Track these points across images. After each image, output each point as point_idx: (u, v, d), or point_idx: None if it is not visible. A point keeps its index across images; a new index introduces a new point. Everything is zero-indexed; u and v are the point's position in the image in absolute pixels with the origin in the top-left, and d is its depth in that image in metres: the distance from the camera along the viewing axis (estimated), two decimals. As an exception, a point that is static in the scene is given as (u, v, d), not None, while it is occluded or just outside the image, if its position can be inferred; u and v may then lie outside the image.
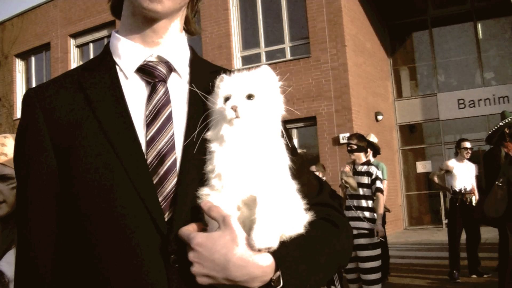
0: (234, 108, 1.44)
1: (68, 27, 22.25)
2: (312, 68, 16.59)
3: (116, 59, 1.67)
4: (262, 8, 18.01)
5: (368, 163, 9.39)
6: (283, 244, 1.40)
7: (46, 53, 23.62)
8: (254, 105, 1.47)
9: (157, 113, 1.57)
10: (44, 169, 1.55)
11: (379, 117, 18.82)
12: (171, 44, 1.70)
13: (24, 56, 24.88)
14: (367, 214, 9.09)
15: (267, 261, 1.37)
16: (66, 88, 1.63)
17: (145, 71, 1.63)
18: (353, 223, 9.07)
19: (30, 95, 1.64)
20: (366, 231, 9.06)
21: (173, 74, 1.68)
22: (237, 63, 18.00)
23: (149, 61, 1.65)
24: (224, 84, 1.53)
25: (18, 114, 23.13)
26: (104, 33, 21.58)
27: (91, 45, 22.33)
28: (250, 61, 17.85)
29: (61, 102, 1.59)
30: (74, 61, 22.33)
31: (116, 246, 1.47)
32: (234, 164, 1.44)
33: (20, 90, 24.21)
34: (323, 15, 16.56)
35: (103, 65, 1.67)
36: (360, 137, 9.69)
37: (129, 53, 1.66)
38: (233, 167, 1.43)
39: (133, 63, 1.64)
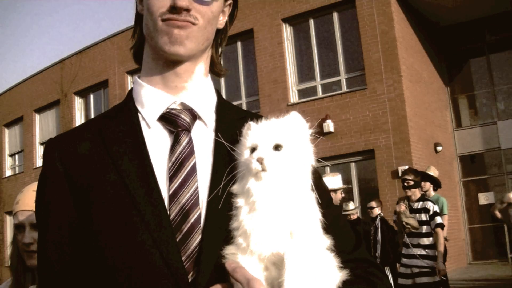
0: (260, 160, 1.36)
1: (125, 64, 22.61)
2: (368, 100, 16.43)
3: (139, 107, 1.62)
4: (316, 40, 18.01)
5: (423, 198, 9.22)
6: None
7: (104, 90, 24.07)
8: (282, 157, 1.39)
9: (180, 165, 1.50)
10: (63, 221, 1.50)
11: (439, 148, 18.47)
12: (196, 89, 1.63)
13: (83, 93, 25.38)
14: (429, 251, 8.89)
15: None
16: (87, 137, 1.58)
17: (168, 119, 1.57)
18: (414, 261, 8.87)
19: (51, 145, 1.59)
20: (428, 269, 8.85)
21: (197, 122, 1.61)
22: (293, 96, 17.96)
23: (172, 109, 1.59)
24: (251, 133, 1.45)
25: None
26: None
27: (147, 81, 22.59)
28: (306, 94, 17.85)
29: (81, 153, 1.54)
30: (132, 98, 22.59)
31: None
32: (260, 221, 1.35)
33: (79, 128, 24.65)
34: (377, 45, 16.44)
35: (125, 113, 1.62)
36: (416, 172, 9.52)
37: (151, 100, 1.61)
38: (260, 225, 1.35)
39: (156, 111, 1.59)
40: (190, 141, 1.54)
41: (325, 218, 1.41)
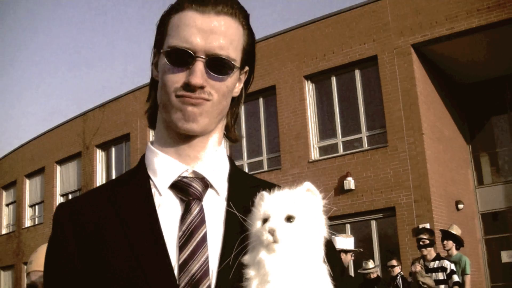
0: (272, 232, 1.35)
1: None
2: (389, 157, 16.43)
3: (150, 174, 1.61)
4: (338, 97, 18.15)
5: (439, 257, 9.18)
6: None
7: (126, 143, 24.24)
8: (294, 228, 1.37)
9: (190, 234, 1.48)
10: (70, 286, 1.48)
11: (460, 206, 18.32)
12: (208, 158, 1.62)
13: (105, 146, 25.59)
14: None
15: None
16: (98, 203, 1.57)
17: (180, 188, 1.56)
18: None
19: (61, 210, 1.59)
20: None
21: (209, 190, 1.59)
22: (314, 153, 18.03)
23: (184, 177, 1.57)
24: (263, 204, 1.44)
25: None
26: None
27: (169, 136, 22.70)
28: (327, 151, 17.90)
29: (91, 218, 1.53)
30: (153, 152, 22.71)
31: None
32: None
33: (100, 180, 24.81)
34: (399, 103, 16.52)
35: (137, 180, 1.61)
36: (431, 232, 9.50)
37: (163, 168, 1.59)
38: None
39: (167, 179, 1.57)
40: (201, 210, 1.53)
41: None
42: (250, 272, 1.37)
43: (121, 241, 1.47)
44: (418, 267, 9.17)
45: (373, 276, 11.53)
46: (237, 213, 1.48)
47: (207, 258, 1.46)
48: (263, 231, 1.37)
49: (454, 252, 10.49)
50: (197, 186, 1.56)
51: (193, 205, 1.53)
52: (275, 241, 1.34)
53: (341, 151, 17.61)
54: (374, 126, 17.26)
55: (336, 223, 15.99)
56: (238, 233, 1.46)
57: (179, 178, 1.57)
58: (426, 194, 15.85)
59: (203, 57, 1.52)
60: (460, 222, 16.13)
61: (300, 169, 17.66)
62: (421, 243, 9.19)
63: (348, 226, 16.80)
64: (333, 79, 18.28)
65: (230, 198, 1.58)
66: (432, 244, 9.21)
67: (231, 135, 1.75)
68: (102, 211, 1.54)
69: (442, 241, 10.65)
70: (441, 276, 8.95)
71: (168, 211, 1.53)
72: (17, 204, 31.39)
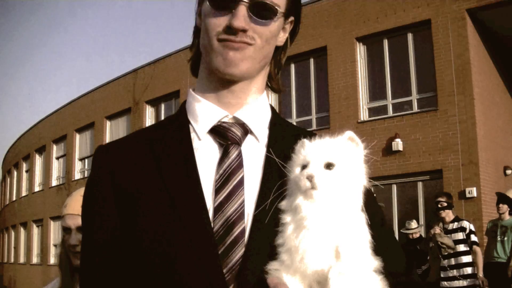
0: (310, 178, 1.34)
1: (197, 75, 22.93)
2: (439, 121, 16.36)
3: (191, 119, 1.62)
4: (389, 60, 18.05)
5: (458, 219, 9.26)
6: None
7: (175, 100, 24.36)
8: (333, 176, 1.36)
9: (227, 177, 1.49)
10: (107, 226, 1.51)
11: (508, 172, 18.23)
12: (249, 105, 1.62)
13: (155, 103, 25.83)
14: (469, 270, 8.94)
15: None
16: (137, 146, 1.59)
17: (219, 132, 1.56)
18: (455, 283, 8.91)
19: (100, 151, 1.62)
20: None
21: (249, 136, 1.59)
22: (363, 114, 18.07)
23: (224, 122, 1.58)
24: (303, 151, 1.43)
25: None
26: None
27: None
28: (376, 113, 17.91)
29: (129, 161, 1.55)
30: (203, 108, 22.85)
31: None
32: (307, 238, 1.32)
33: (150, 135, 25.00)
34: (451, 67, 16.35)
35: (176, 124, 1.62)
36: (449, 195, 9.57)
37: (203, 113, 1.60)
38: (306, 242, 1.32)
39: (207, 124, 1.58)
40: (239, 155, 1.53)
41: (375, 240, 1.38)
42: (287, 218, 1.38)
43: (157, 183, 1.48)
44: (437, 229, 9.28)
45: (416, 236, 11.65)
46: (276, 159, 1.48)
47: (243, 201, 1.47)
48: (301, 177, 1.36)
49: (507, 216, 10.50)
50: (236, 131, 1.56)
51: (232, 149, 1.53)
52: (313, 188, 1.34)
53: (390, 113, 17.55)
54: (425, 90, 17.13)
55: (382, 183, 16.11)
56: (276, 179, 1.47)
57: (219, 123, 1.58)
58: (474, 158, 15.80)
59: (246, 1, 1.50)
60: (508, 188, 16.09)
61: (349, 129, 17.37)
62: (439, 205, 9.30)
63: (394, 187, 16.89)
64: (385, 42, 18.13)
65: (270, 144, 1.58)
66: (450, 206, 9.30)
67: (273, 85, 1.74)
68: (140, 154, 1.55)
69: (497, 204, 10.72)
70: (460, 236, 9.06)
71: (206, 155, 1.54)
72: (67, 157, 32.08)
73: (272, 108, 1.72)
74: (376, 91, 18.17)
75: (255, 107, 1.63)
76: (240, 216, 1.45)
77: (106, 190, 1.53)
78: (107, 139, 28.25)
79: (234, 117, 1.59)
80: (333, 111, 18.46)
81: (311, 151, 1.40)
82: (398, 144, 16.49)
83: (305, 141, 1.46)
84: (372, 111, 18.15)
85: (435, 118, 16.47)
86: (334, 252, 1.31)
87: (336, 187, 1.35)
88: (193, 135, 1.59)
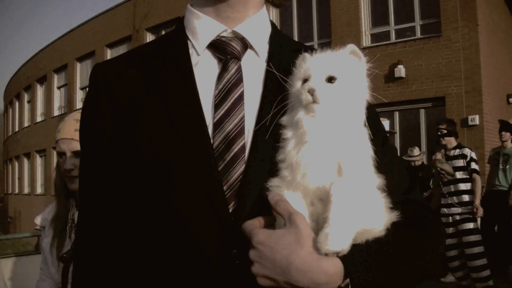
0: (311, 92, 1.30)
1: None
2: (442, 47, 16.11)
3: (189, 34, 1.56)
4: (393, -15, 17.69)
5: (460, 146, 9.18)
6: (356, 247, 1.25)
7: (176, 27, 24.03)
8: (335, 89, 1.31)
9: (227, 93, 1.45)
10: (104, 146, 1.47)
11: (511, 100, 18.11)
12: (249, 19, 1.55)
13: (155, 30, 25.52)
14: (466, 197, 8.91)
15: (334, 267, 1.21)
16: (135, 63, 1.54)
17: (218, 47, 1.52)
18: (453, 210, 8.89)
19: (97, 70, 1.58)
20: (469, 216, 8.88)
21: (248, 51, 1.55)
22: (365, 40, 17.77)
23: (223, 37, 1.53)
24: (304, 64, 1.38)
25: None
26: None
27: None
28: (379, 38, 17.60)
29: (127, 78, 1.51)
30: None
31: (173, 235, 1.38)
32: (308, 154, 1.29)
33: (150, 63, 24.86)
34: (455, -7, 16.06)
35: (175, 40, 1.58)
36: (450, 122, 9.45)
37: (201, 28, 1.54)
38: (307, 157, 1.29)
39: (205, 39, 1.53)
40: (239, 69, 1.49)
41: (378, 156, 1.35)
42: (288, 133, 1.35)
43: (156, 100, 1.45)
44: (438, 156, 9.22)
45: (418, 163, 11.61)
46: (277, 73, 1.45)
47: (243, 117, 1.43)
48: (302, 91, 1.32)
49: (509, 144, 10.41)
50: (236, 45, 1.52)
51: (231, 64, 1.49)
52: (314, 101, 1.30)
53: (393, 39, 17.28)
54: (428, 15, 16.80)
55: (385, 110, 16.05)
56: (277, 94, 1.43)
57: (217, 38, 1.53)
58: (477, 86, 15.65)
59: None
60: (511, 116, 16.01)
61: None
62: (439, 133, 9.20)
63: (396, 114, 16.81)
64: (389, -34, 17.79)
65: (271, 59, 1.54)
66: (451, 134, 9.17)
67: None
68: (139, 70, 1.51)
69: (500, 131, 10.63)
70: (461, 163, 8.97)
71: (205, 70, 1.50)
72: (68, 87, 32.03)
73: (272, 23, 1.65)
74: (379, 17, 17.85)
75: (255, 21, 1.57)
76: (240, 132, 1.41)
77: (104, 111, 1.49)
78: (108, 68, 27.89)
79: (234, 32, 1.53)
80: (335, 37, 18.16)
81: (312, 65, 1.36)
82: (400, 71, 16.32)
83: (306, 54, 1.41)
84: (374, 37, 17.87)
85: (439, 44, 16.23)
86: (336, 168, 1.28)
87: (338, 101, 1.31)
88: (191, 50, 1.54)
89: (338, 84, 1.32)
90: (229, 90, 1.45)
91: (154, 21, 25.23)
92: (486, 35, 16.41)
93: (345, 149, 1.28)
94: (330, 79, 1.32)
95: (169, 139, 1.40)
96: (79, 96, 30.95)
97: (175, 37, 1.59)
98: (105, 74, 1.55)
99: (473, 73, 15.74)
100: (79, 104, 30.53)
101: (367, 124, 1.35)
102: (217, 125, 1.41)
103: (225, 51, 1.50)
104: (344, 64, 1.35)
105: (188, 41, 1.56)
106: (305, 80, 1.35)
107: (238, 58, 1.51)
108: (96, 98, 1.53)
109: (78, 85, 31.10)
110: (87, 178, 1.54)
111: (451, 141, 9.20)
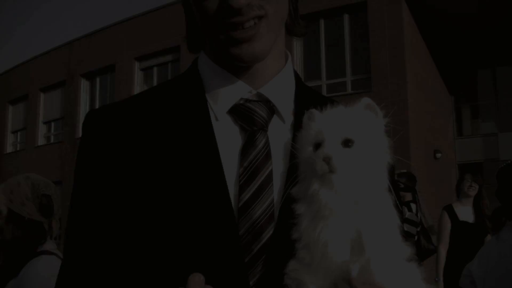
0: (327, 160, 1.11)
1: (133, 49, 22.61)
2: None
3: (206, 91, 1.33)
4: (325, 40, 18.01)
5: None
6: None
7: (111, 74, 23.92)
8: (353, 154, 1.13)
9: (254, 172, 1.23)
10: (97, 201, 1.24)
11: (438, 155, 18.52)
12: (276, 77, 1.34)
13: (90, 76, 25.26)
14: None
15: None
16: (136, 115, 1.30)
17: (241, 114, 1.29)
18: None
19: (91, 118, 1.34)
20: None
21: (274, 117, 1.32)
22: (297, 94, 17.92)
23: (247, 100, 1.30)
24: (314, 125, 1.20)
25: (80, 133, 23.42)
26: (169, 58, 21.82)
27: (155, 69, 22.52)
28: (310, 93, 17.77)
29: (127, 132, 1.27)
30: (138, 84, 22.61)
31: None
32: (327, 230, 1.11)
33: (84, 110, 24.52)
34: (386, 49, 16.43)
35: (190, 95, 1.32)
36: (411, 177, 9.56)
37: (221, 87, 1.31)
38: (326, 235, 1.11)
39: (226, 102, 1.29)
40: (266, 144, 1.27)
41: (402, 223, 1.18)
42: (301, 207, 1.16)
43: (170, 168, 1.22)
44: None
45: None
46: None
47: (272, 201, 1.23)
48: (316, 159, 1.13)
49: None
50: (262, 112, 1.29)
51: (258, 136, 1.27)
52: (331, 171, 1.11)
53: (324, 93, 17.51)
54: (359, 71, 17.20)
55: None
56: None
57: (241, 101, 1.30)
58: (405, 140, 15.96)
59: None
60: (437, 171, 16.33)
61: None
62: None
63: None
64: (321, 22, 18.08)
65: (297, 126, 1.29)
66: (408, 189, 9.32)
67: (293, 29, 1.44)
68: (143, 126, 1.28)
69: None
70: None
71: (226, 139, 1.27)
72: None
73: (296, 74, 1.44)
74: (311, 72, 18.09)
75: (282, 78, 1.36)
76: (269, 218, 1.21)
77: (98, 159, 1.26)
78: (41, 111, 27.62)
79: (258, 94, 1.31)
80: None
81: (325, 126, 1.17)
82: (330, 124, 16.43)
83: (314, 111, 1.22)
84: (306, 91, 17.97)
85: (368, 100, 16.44)
86: (361, 244, 1.10)
87: (358, 168, 1.13)
88: (210, 113, 1.29)
89: (356, 148, 1.14)
90: (256, 169, 1.23)
91: (89, 67, 24.96)
92: (415, 91, 16.82)
93: (370, 222, 1.11)
94: (347, 143, 1.14)
95: (190, 226, 1.18)
96: (10, 140, 30.17)
97: (191, 90, 1.34)
98: (100, 122, 1.31)
99: (401, 129, 16.01)
100: (10, 148, 29.81)
101: (391, 189, 1.17)
102: (243, 210, 1.20)
103: (252, 121, 1.28)
104: (361, 122, 1.18)
105: (206, 100, 1.32)
106: (317, 145, 1.16)
107: (264, 129, 1.28)
108: (89, 147, 1.29)
109: (9, 129, 30.30)
110: (74, 224, 1.29)
111: (406, 197, 9.31)
